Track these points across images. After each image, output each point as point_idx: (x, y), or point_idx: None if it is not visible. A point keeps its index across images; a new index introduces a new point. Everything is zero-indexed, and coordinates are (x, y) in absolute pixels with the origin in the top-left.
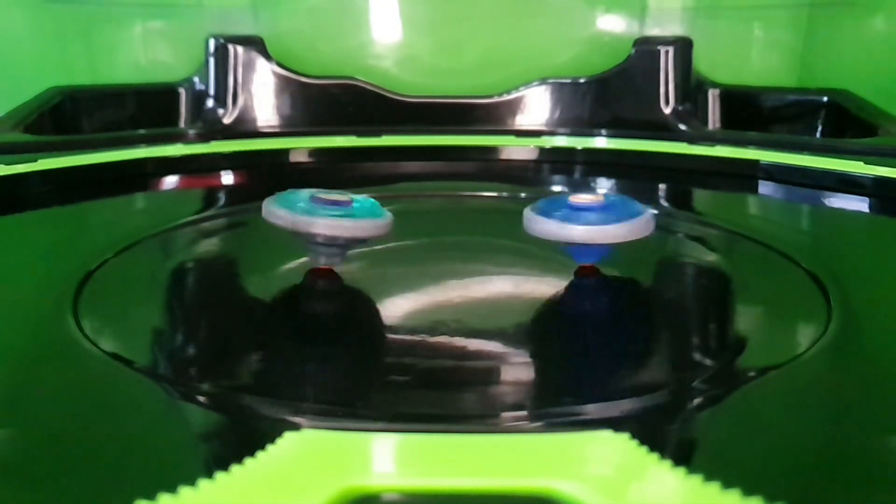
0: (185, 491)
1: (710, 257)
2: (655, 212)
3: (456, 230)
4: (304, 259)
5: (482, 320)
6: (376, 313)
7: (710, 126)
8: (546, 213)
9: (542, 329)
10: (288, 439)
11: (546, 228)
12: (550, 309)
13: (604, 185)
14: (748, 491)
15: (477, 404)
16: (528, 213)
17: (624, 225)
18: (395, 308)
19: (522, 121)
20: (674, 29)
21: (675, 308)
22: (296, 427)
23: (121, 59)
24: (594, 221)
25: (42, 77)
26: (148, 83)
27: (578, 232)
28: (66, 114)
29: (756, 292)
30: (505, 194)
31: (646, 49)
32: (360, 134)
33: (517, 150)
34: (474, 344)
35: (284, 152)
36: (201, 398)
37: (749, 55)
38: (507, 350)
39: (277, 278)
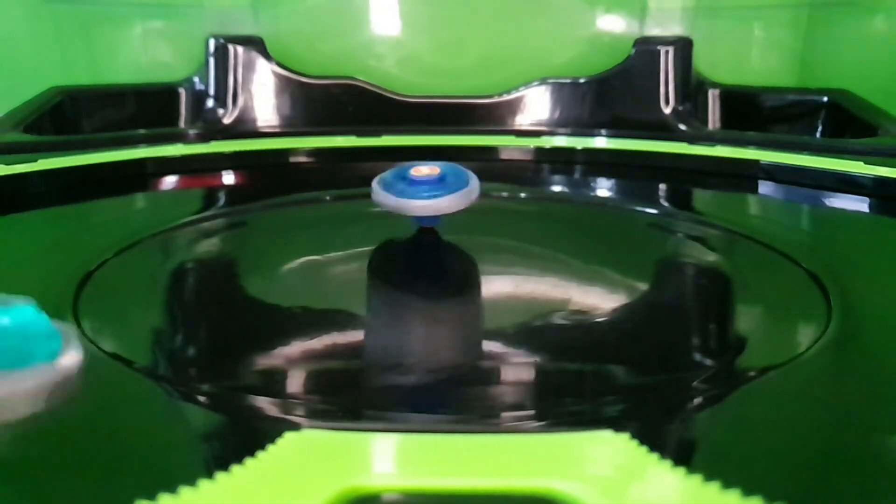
0: (185, 491)
1: (710, 257)
2: (476, 181)
3: (456, 230)
4: (302, 259)
5: (483, 321)
6: (377, 313)
7: (710, 126)
8: (390, 189)
9: (543, 330)
10: (288, 439)
11: (391, 203)
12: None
13: (604, 185)
14: (748, 491)
15: (477, 404)
16: (375, 188)
17: (453, 197)
18: (395, 308)
19: (522, 121)
20: (674, 29)
21: (675, 308)
22: (296, 427)
23: (121, 59)
24: (431, 194)
25: (42, 77)
26: (148, 83)
27: (416, 206)
28: (66, 114)
29: (756, 292)
30: (505, 194)
31: (646, 49)
32: (360, 134)
33: (517, 150)
34: (475, 344)
35: (284, 152)
36: (201, 398)
37: (749, 55)
38: (508, 350)
39: (277, 278)
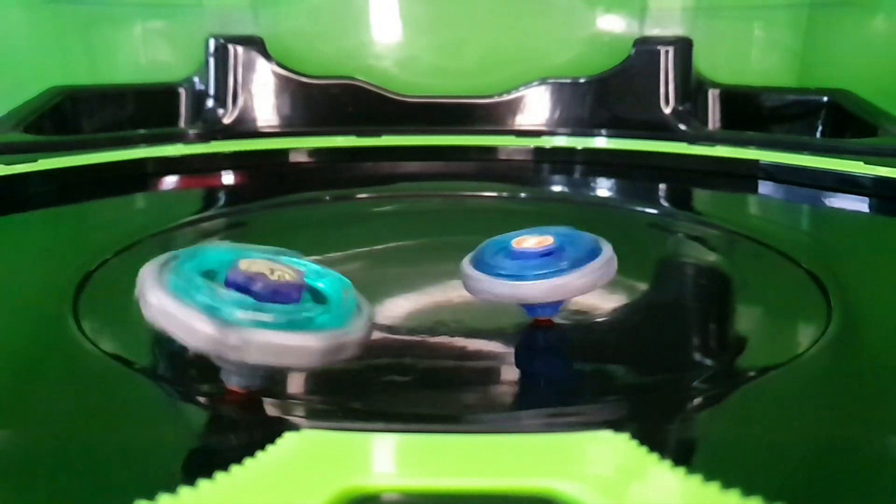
0: (184, 491)
1: (710, 257)
2: (610, 248)
3: (456, 230)
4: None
5: (482, 320)
6: (377, 313)
7: (710, 126)
8: (489, 268)
9: (543, 330)
10: (288, 439)
11: (490, 289)
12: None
13: (604, 185)
14: (748, 491)
15: (477, 404)
16: (467, 268)
17: (584, 272)
18: (394, 308)
19: (522, 121)
20: (674, 29)
21: (675, 308)
22: (296, 427)
23: (121, 59)
24: (547, 272)
25: (42, 77)
26: (148, 83)
27: (531, 290)
28: (66, 114)
29: (756, 292)
30: (505, 194)
31: (646, 49)
32: (360, 134)
33: (517, 150)
34: (474, 344)
35: (284, 152)
36: (201, 398)
37: (749, 55)
38: (508, 350)
39: None
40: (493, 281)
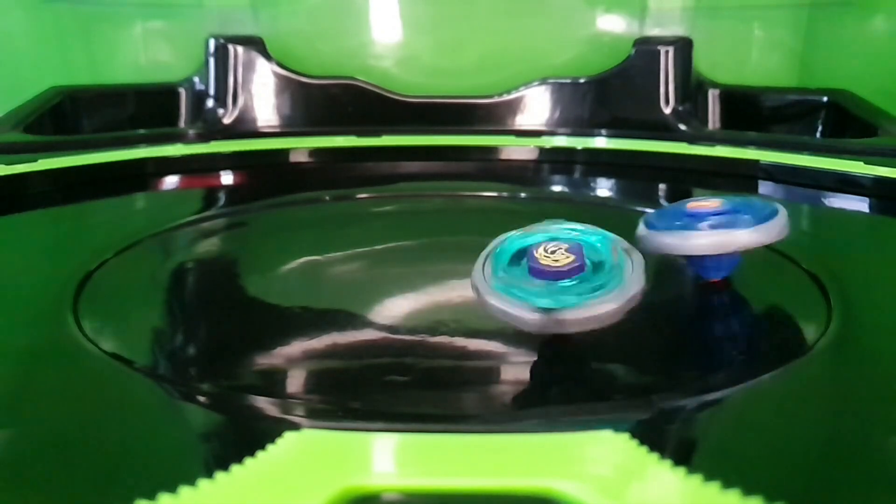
0: (185, 491)
1: None
2: (785, 211)
3: (456, 230)
4: (302, 259)
5: (482, 320)
6: (377, 313)
7: (710, 126)
8: (662, 227)
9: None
10: (288, 439)
11: (666, 242)
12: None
13: (604, 185)
14: (748, 491)
15: (477, 404)
16: (642, 229)
17: (760, 228)
18: (395, 308)
19: (522, 121)
20: (674, 29)
21: (675, 308)
22: (296, 427)
23: (121, 59)
24: (722, 226)
25: (42, 77)
26: (148, 83)
27: (700, 240)
28: (66, 114)
29: (756, 292)
30: (505, 194)
31: (646, 49)
32: (360, 134)
33: (517, 150)
34: (474, 344)
35: (284, 152)
36: (201, 398)
37: (749, 55)
38: (508, 350)
39: (277, 278)
40: (664, 234)
